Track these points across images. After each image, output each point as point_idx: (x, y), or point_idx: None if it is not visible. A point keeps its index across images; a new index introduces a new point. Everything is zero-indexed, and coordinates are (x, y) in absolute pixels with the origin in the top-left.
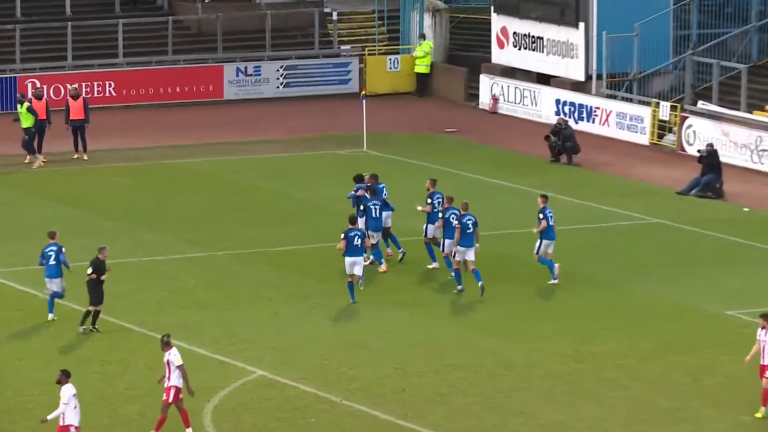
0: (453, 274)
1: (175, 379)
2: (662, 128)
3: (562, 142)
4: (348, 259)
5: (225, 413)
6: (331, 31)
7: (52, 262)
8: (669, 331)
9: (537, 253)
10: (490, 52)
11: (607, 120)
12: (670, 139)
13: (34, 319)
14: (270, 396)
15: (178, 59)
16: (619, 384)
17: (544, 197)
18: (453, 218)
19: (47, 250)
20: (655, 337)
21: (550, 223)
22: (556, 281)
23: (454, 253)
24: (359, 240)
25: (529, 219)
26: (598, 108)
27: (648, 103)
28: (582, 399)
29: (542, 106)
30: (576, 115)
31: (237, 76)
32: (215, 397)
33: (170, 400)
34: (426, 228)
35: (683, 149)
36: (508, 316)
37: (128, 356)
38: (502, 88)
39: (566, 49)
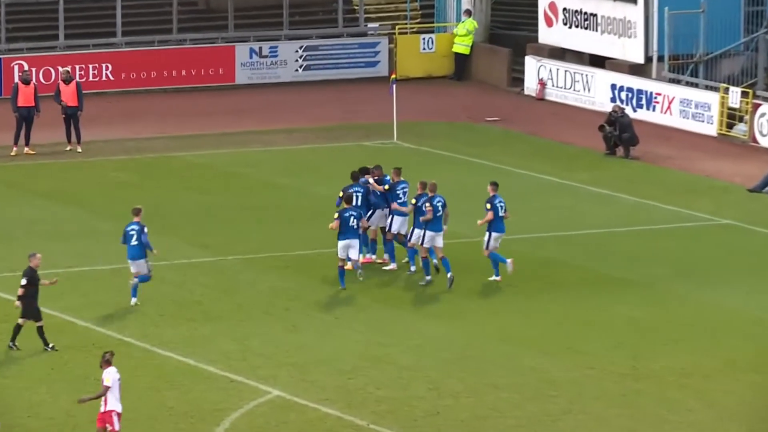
0: (421, 263)
1: (113, 403)
2: (732, 117)
3: (619, 132)
4: (341, 242)
5: None
6: (356, 7)
7: (134, 242)
8: (739, 347)
9: (487, 248)
10: (536, 31)
11: (669, 108)
12: (740, 129)
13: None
14: (287, 419)
15: (184, 39)
16: (682, 406)
17: (494, 185)
18: (426, 205)
19: (129, 229)
20: (723, 352)
21: (500, 214)
22: (498, 278)
23: (422, 241)
24: (355, 221)
25: (579, 220)
26: (659, 94)
27: (716, 89)
28: (641, 423)
29: (596, 92)
30: (634, 102)
31: (251, 57)
32: (226, 420)
33: (116, 427)
34: (390, 222)
35: (756, 141)
36: (555, 330)
37: (128, 374)
38: (550, 71)
39: (623, 27)
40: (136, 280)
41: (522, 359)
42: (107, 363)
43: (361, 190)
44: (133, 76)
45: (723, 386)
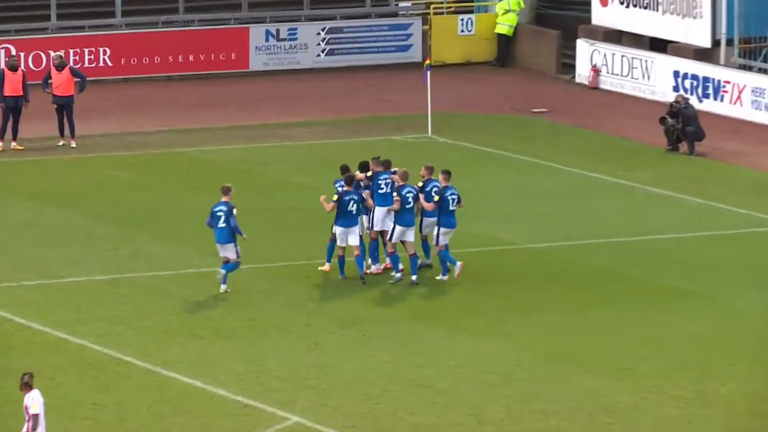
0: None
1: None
2: None
3: (682, 125)
4: (339, 229)
5: None
6: None
7: (221, 224)
8: None
9: (437, 244)
10: (589, 11)
11: (739, 98)
12: None
13: (6, 351)
14: None
15: (192, 19)
16: None
17: (446, 173)
18: (409, 194)
19: (216, 209)
20: None
21: (451, 207)
22: (445, 278)
23: (391, 235)
24: (354, 205)
25: (637, 224)
26: (728, 82)
27: None
28: None
29: (656, 80)
30: (699, 91)
31: (267, 41)
32: None
33: None
34: (372, 217)
35: None
36: (610, 348)
37: (128, 398)
38: (605, 56)
39: (688, 6)
40: (223, 271)
41: (573, 382)
42: (28, 386)
43: (357, 196)
44: (133, 61)
45: None
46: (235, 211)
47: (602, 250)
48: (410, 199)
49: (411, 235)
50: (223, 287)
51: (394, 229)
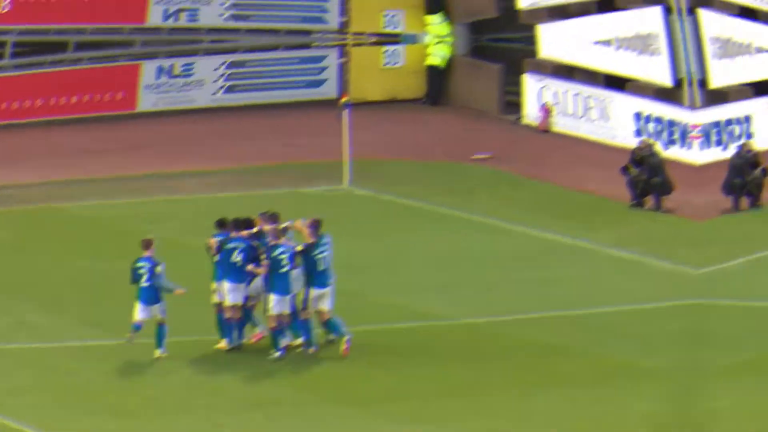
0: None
1: None
2: None
3: (648, 175)
4: (226, 284)
5: None
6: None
7: (143, 283)
8: None
9: (304, 308)
10: (536, 42)
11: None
12: None
13: None
14: None
15: (80, 57)
16: None
17: (316, 225)
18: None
19: (138, 266)
20: None
21: (321, 267)
22: (312, 349)
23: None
24: (240, 256)
25: (596, 294)
26: (697, 126)
27: None
28: None
29: (616, 122)
30: (665, 135)
31: (158, 77)
32: None
33: None
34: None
35: None
36: None
37: None
38: (555, 94)
39: (643, 42)
40: (133, 335)
41: None
42: None
43: (245, 243)
44: (16, 106)
45: None
46: (160, 268)
47: (552, 325)
48: (283, 263)
49: (286, 306)
50: (160, 351)
51: (267, 299)
